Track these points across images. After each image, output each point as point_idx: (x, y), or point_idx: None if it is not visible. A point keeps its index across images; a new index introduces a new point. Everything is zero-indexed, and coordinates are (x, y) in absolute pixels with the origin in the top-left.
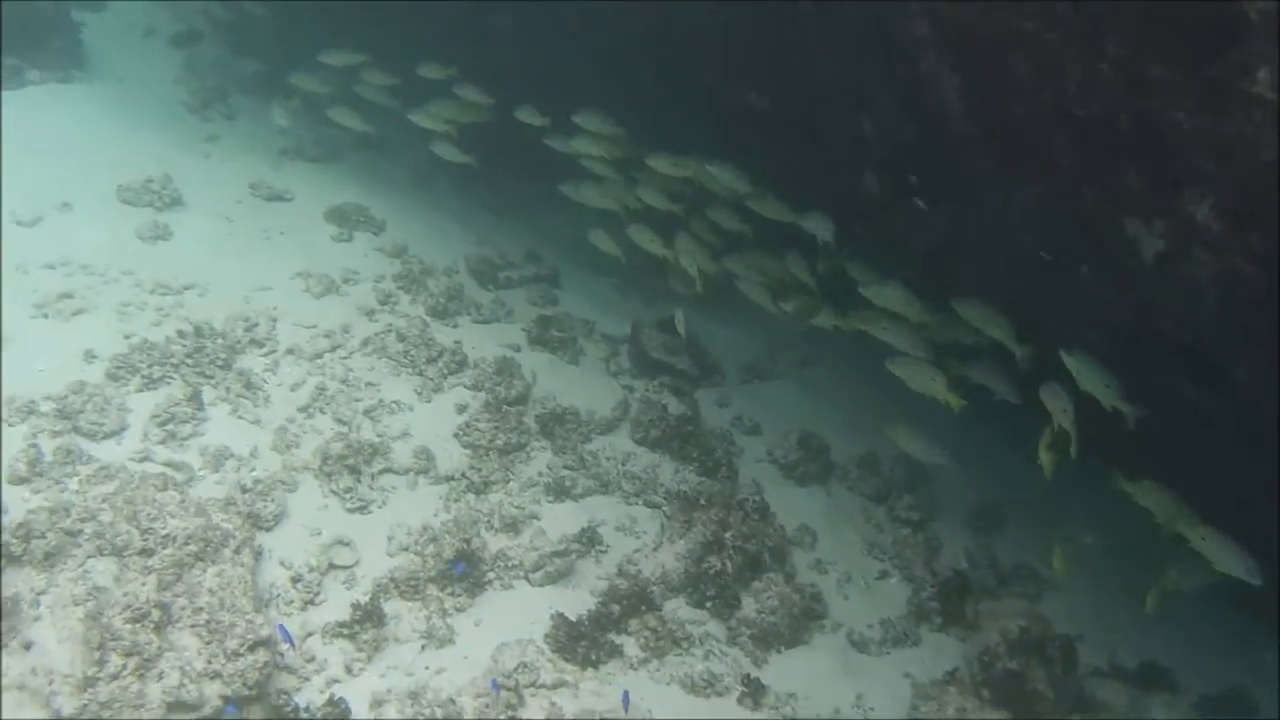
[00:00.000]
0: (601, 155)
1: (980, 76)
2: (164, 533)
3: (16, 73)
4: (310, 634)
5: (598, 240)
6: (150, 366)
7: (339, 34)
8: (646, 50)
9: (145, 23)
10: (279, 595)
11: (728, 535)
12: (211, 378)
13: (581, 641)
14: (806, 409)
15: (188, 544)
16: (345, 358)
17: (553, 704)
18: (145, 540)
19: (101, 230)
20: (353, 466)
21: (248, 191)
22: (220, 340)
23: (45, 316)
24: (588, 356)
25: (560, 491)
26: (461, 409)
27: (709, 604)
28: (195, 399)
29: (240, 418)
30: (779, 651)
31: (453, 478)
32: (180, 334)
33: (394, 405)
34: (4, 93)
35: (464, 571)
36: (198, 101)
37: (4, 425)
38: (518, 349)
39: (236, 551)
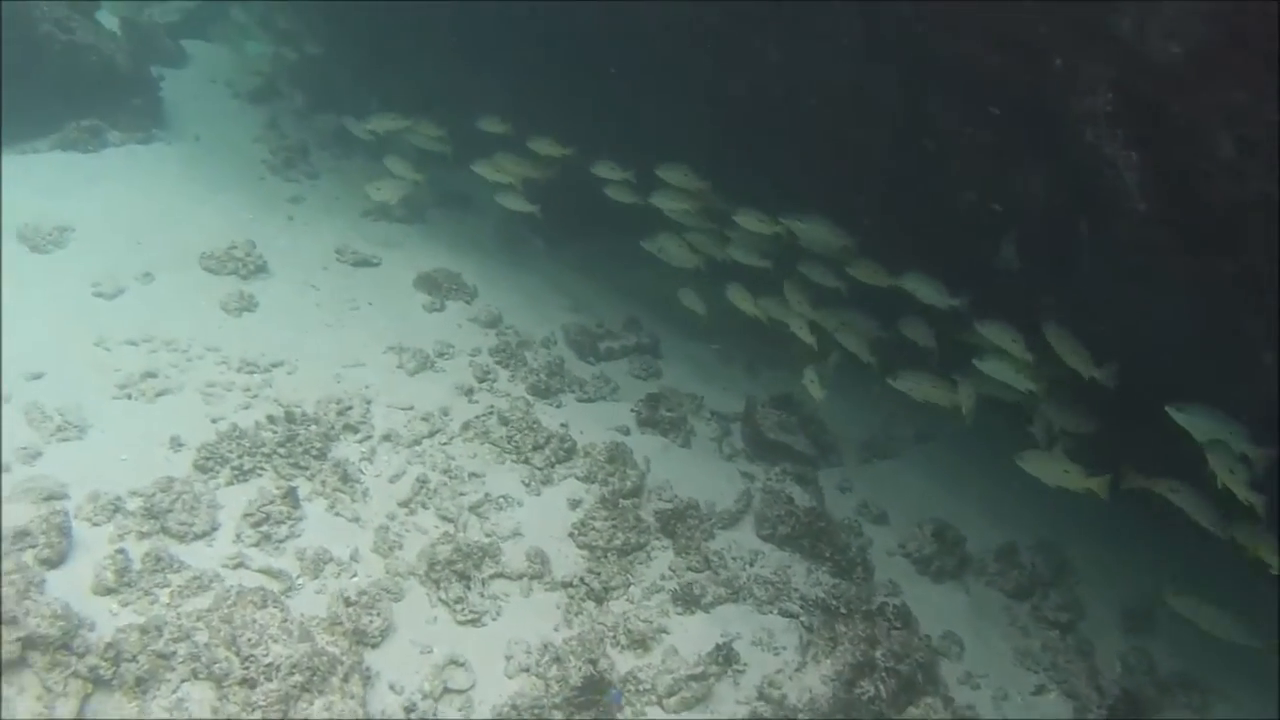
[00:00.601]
0: (686, 209)
1: (1167, 154)
2: (267, 661)
3: (96, 134)
4: None
5: (686, 299)
6: (240, 457)
7: (416, 78)
8: (758, 102)
9: (224, 77)
10: None
11: (878, 654)
12: (305, 469)
13: None
14: (932, 492)
15: (293, 674)
16: (445, 444)
17: None
18: (246, 669)
19: (185, 302)
20: (462, 572)
21: (334, 257)
22: (313, 427)
23: (128, 398)
24: (699, 436)
25: (689, 601)
26: (574, 504)
27: None
28: (290, 496)
29: (338, 514)
30: None
31: (570, 584)
32: (271, 420)
33: (502, 500)
34: (84, 156)
35: (620, 700)
36: (279, 161)
37: (89, 524)
38: (627, 431)
39: (345, 680)
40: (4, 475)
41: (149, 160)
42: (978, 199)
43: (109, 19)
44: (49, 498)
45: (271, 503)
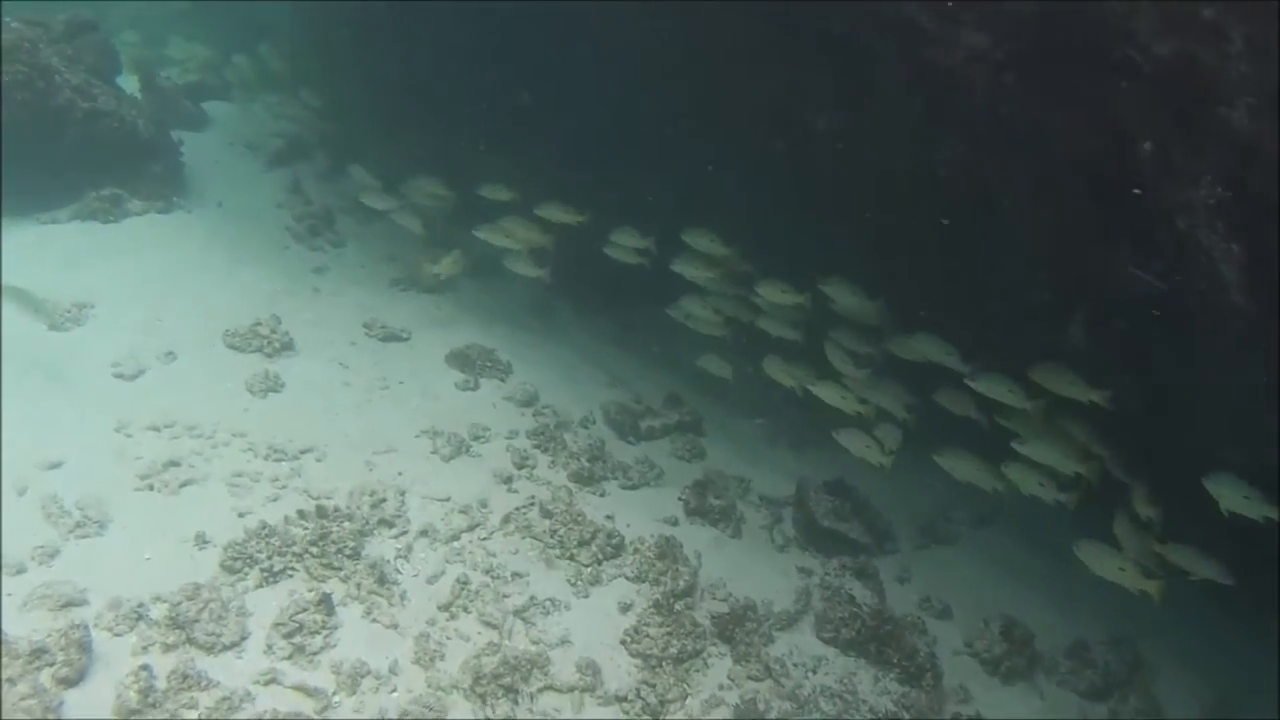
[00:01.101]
0: (711, 276)
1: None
2: None
3: (116, 204)
4: None
5: (710, 365)
6: (270, 557)
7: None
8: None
9: (244, 139)
10: None
11: None
12: (339, 569)
13: None
14: (995, 581)
15: None
16: (485, 539)
17: None
18: None
19: (208, 383)
20: (509, 686)
21: (362, 331)
22: (346, 523)
23: (150, 489)
24: (749, 524)
25: (751, 718)
26: (625, 607)
27: None
28: (324, 603)
29: (375, 620)
30: None
31: (625, 698)
32: (301, 514)
33: (548, 603)
34: (104, 227)
35: None
36: (304, 229)
37: (110, 634)
38: (675, 522)
39: None
40: (20, 577)
41: (170, 230)
42: (1048, 278)
43: (129, 80)
44: (67, 605)
45: (304, 610)
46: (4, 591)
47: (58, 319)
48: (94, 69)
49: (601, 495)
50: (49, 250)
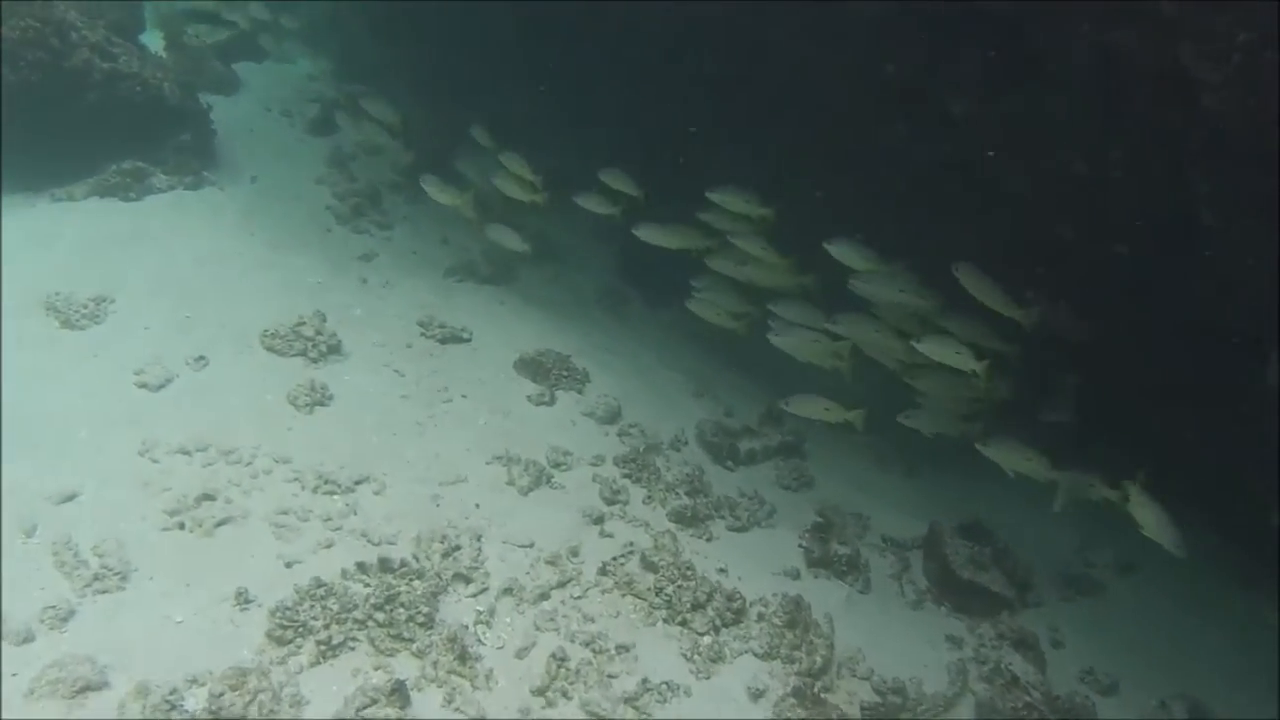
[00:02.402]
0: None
1: None
2: None
3: (139, 178)
4: None
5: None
6: (328, 625)
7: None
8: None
9: (280, 103)
10: None
11: None
12: (411, 641)
13: None
14: (1157, 646)
15: None
16: (579, 597)
17: None
18: None
19: (246, 394)
20: None
21: (417, 331)
22: (416, 582)
23: (180, 527)
24: (875, 572)
25: None
26: (756, 694)
27: None
28: (399, 692)
29: (458, 711)
30: None
31: None
32: (362, 568)
33: (664, 688)
34: (124, 205)
35: None
36: (347, 209)
37: None
38: (796, 575)
39: None
40: (27, 648)
41: (199, 210)
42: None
43: (153, 39)
44: (84, 690)
45: (374, 702)
46: (5, 672)
47: (72, 315)
48: (115, 25)
49: (708, 540)
50: (63, 233)
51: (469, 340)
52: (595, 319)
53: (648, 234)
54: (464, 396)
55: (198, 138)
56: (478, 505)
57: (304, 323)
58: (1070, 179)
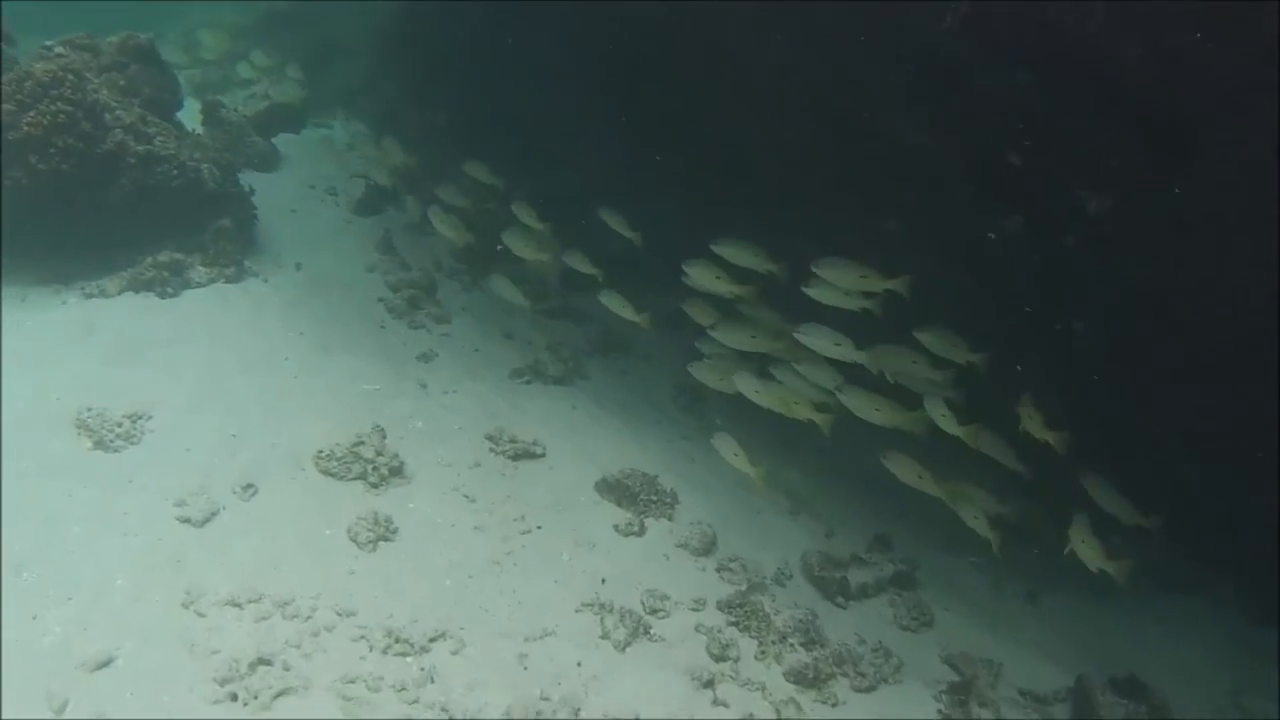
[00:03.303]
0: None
1: None
2: None
3: (177, 271)
4: None
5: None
6: None
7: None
8: None
9: (324, 180)
10: None
11: None
12: None
13: None
14: None
15: None
16: None
17: None
18: None
19: (301, 530)
20: None
21: (486, 446)
22: None
23: (233, 699)
24: None
25: None
26: None
27: None
28: None
29: None
30: None
31: None
32: None
33: None
34: (161, 302)
35: None
36: (402, 301)
37: None
38: None
39: None
40: None
41: (242, 306)
42: None
43: (190, 113)
44: None
45: None
46: None
47: (106, 436)
48: (151, 102)
49: (834, 705)
50: (94, 335)
51: (543, 455)
52: (674, 420)
53: (725, 335)
54: (542, 527)
55: (238, 222)
56: (579, 664)
57: (362, 441)
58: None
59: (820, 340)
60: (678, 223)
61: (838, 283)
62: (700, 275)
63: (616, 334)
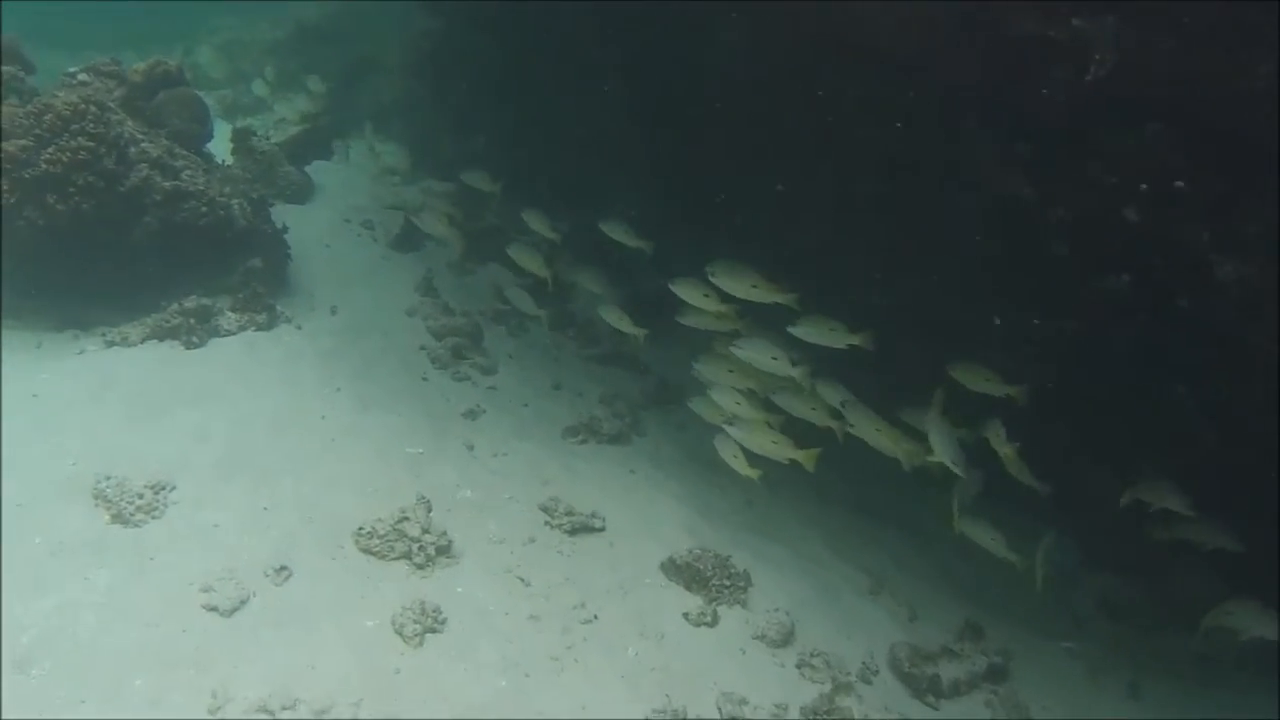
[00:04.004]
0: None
1: None
2: None
3: (204, 318)
4: None
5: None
6: None
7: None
8: None
9: (359, 212)
10: None
11: None
12: None
13: None
14: None
15: None
16: None
17: None
18: None
19: (340, 619)
20: None
21: (541, 518)
22: None
23: None
24: None
25: None
26: None
27: None
28: None
29: None
30: None
31: None
32: None
33: None
34: (187, 353)
35: None
36: (445, 351)
37: None
38: None
39: None
40: None
41: (274, 357)
42: None
43: (220, 139)
44: None
45: None
46: None
47: (125, 508)
48: (179, 134)
49: None
50: (114, 390)
51: (602, 529)
52: (739, 484)
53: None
54: (605, 615)
55: (270, 262)
56: None
57: (406, 517)
58: None
59: (757, 354)
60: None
61: (732, 289)
62: (688, 293)
63: (673, 384)
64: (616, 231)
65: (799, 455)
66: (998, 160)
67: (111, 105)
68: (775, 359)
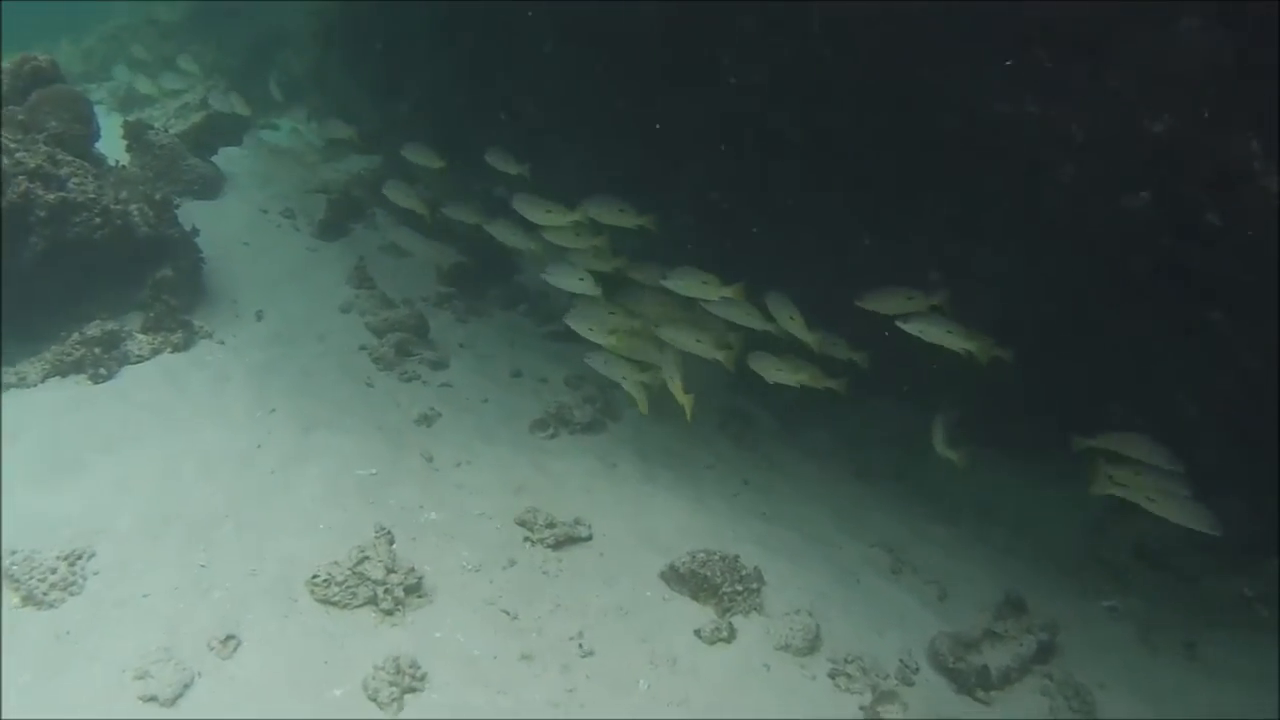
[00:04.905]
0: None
1: None
2: None
3: (110, 345)
4: None
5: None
6: None
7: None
8: None
9: (277, 200)
10: None
11: None
12: None
13: None
14: None
15: None
16: None
17: None
18: None
19: (302, 690)
20: None
21: (518, 535)
22: None
23: None
24: None
25: None
26: None
27: None
28: None
29: None
30: None
31: None
32: None
33: None
34: (97, 386)
35: None
36: (389, 349)
37: None
38: None
39: None
40: None
41: (197, 381)
42: None
43: (111, 137)
44: None
45: None
46: None
47: (37, 588)
48: (61, 138)
49: None
50: (13, 442)
51: (589, 539)
52: (730, 461)
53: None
54: (606, 645)
55: (181, 270)
56: None
57: (366, 556)
58: None
59: (687, 281)
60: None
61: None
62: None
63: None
64: (496, 158)
65: (720, 354)
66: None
67: None
68: (705, 283)
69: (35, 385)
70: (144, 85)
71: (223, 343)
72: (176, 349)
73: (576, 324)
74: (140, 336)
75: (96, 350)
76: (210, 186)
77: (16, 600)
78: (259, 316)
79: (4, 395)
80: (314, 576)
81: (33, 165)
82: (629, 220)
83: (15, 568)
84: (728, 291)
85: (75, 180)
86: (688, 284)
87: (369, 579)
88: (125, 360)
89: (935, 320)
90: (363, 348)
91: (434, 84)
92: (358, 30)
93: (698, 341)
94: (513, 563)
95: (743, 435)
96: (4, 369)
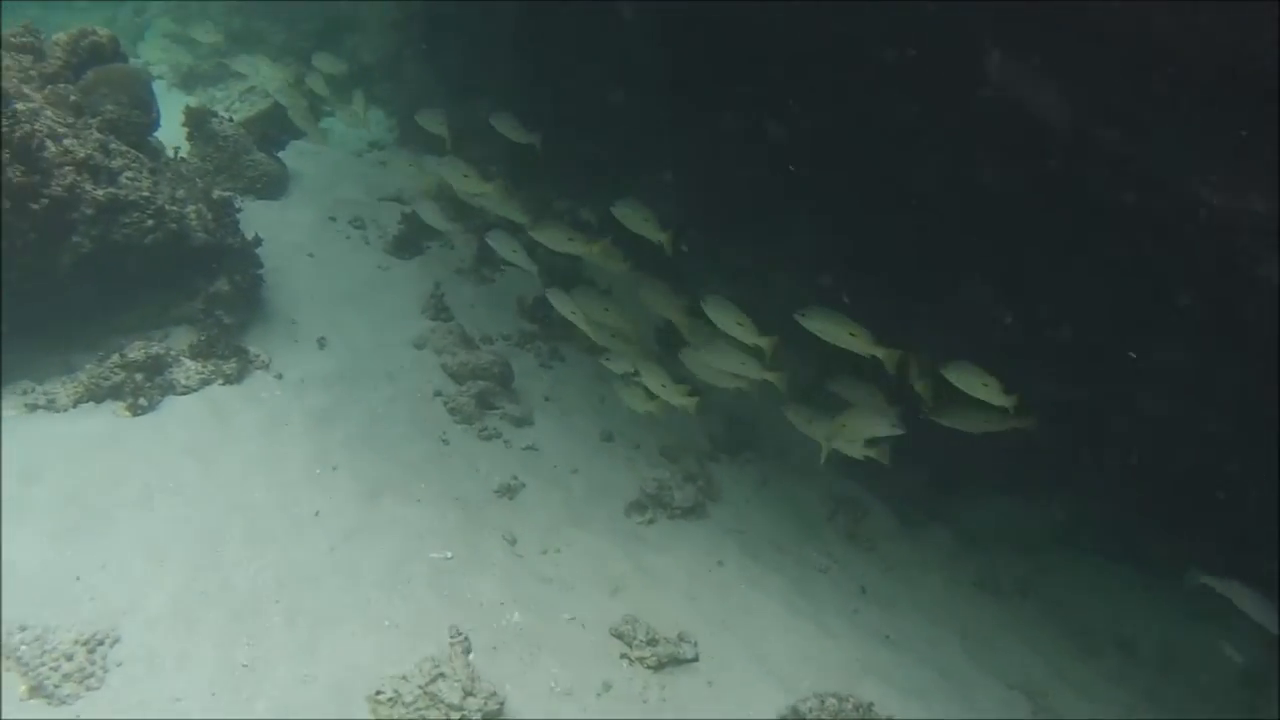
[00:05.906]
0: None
1: None
2: None
3: (154, 372)
4: None
5: None
6: None
7: None
8: None
9: (346, 205)
10: None
11: None
12: None
13: None
14: None
15: None
16: None
17: None
18: None
19: None
20: None
21: (614, 650)
22: None
23: None
24: None
25: None
26: None
27: None
28: None
29: None
30: None
31: None
32: None
33: None
34: (133, 420)
35: None
36: (468, 399)
37: None
38: None
39: None
40: None
41: (248, 423)
42: None
43: (170, 121)
44: None
45: None
46: None
47: (53, 682)
48: (115, 124)
49: None
50: (34, 485)
51: (694, 660)
52: (845, 564)
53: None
54: None
55: (239, 285)
56: None
57: (442, 672)
58: None
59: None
60: None
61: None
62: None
63: (739, 417)
64: (504, 125)
65: (686, 402)
66: None
67: (26, 90)
68: (740, 324)
69: (65, 410)
70: (201, 33)
71: (280, 376)
72: (228, 380)
73: (560, 304)
74: (188, 363)
75: (138, 376)
76: (275, 185)
77: (23, 690)
78: (321, 344)
79: (30, 418)
80: (378, 693)
81: (81, 155)
82: (651, 232)
83: (24, 649)
84: (762, 342)
85: (129, 174)
86: (722, 317)
87: (443, 702)
88: (169, 390)
89: (836, 319)
90: (438, 394)
91: (515, 82)
92: (440, 21)
93: (742, 364)
94: (608, 687)
95: (856, 531)
96: (32, 388)
